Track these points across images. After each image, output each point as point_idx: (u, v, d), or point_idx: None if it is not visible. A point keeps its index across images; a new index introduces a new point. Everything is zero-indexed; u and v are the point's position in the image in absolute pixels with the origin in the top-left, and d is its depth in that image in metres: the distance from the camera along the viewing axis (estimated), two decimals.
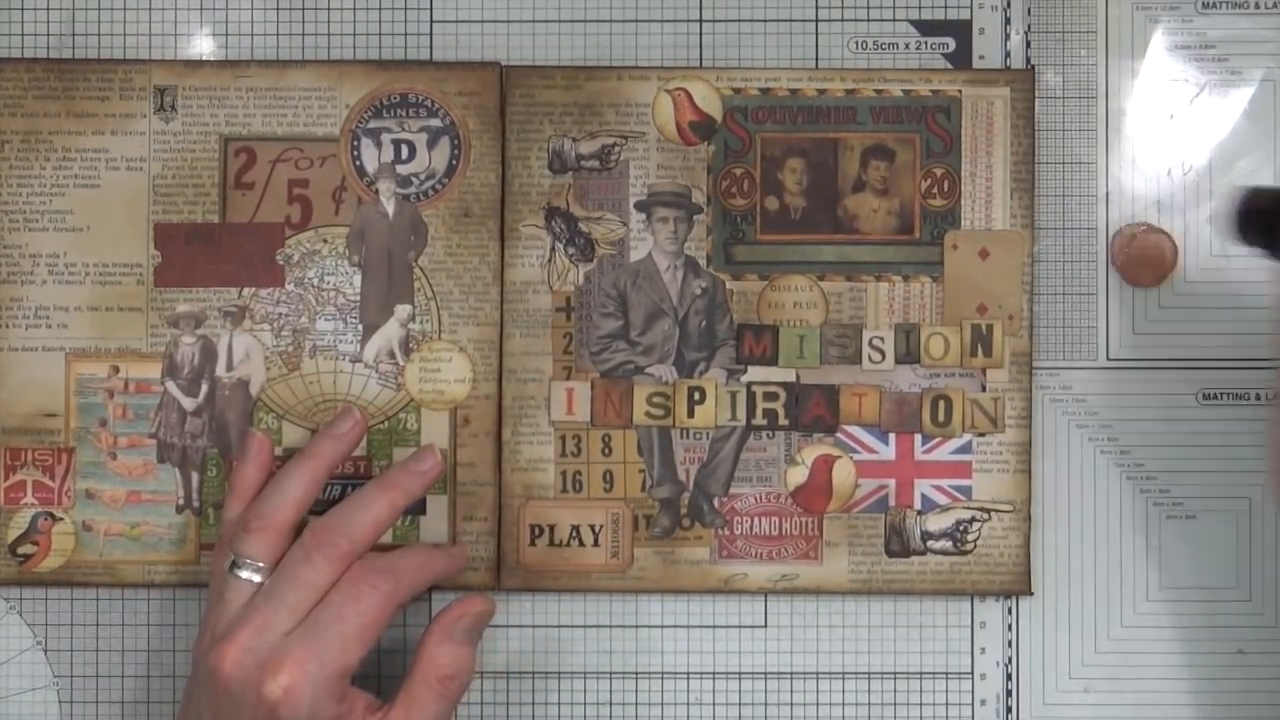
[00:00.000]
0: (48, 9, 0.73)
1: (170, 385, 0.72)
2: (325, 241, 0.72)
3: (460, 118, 0.72)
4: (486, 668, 0.72)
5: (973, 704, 0.72)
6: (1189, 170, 0.72)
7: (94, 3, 0.73)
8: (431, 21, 0.73)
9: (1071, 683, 0.72)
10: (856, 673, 0.72)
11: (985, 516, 0.71)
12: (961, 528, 0.71)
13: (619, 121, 0.72)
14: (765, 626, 0.72)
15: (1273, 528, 0.72)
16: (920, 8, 0.73)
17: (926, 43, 0.73)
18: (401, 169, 0.72)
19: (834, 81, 0.72)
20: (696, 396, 0.72)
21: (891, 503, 0.72)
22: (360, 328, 0.72)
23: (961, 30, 0.73)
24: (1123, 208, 0.72)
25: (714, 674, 0.72)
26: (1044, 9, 0.72)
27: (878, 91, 0.72)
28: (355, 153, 0.72)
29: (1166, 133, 0.72)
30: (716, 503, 0.72)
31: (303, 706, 0.62)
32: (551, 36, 0.73)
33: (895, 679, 0.72)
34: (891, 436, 0.72)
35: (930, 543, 0.71)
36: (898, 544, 0.72)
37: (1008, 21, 0.73)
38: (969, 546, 0.71)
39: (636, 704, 0.72)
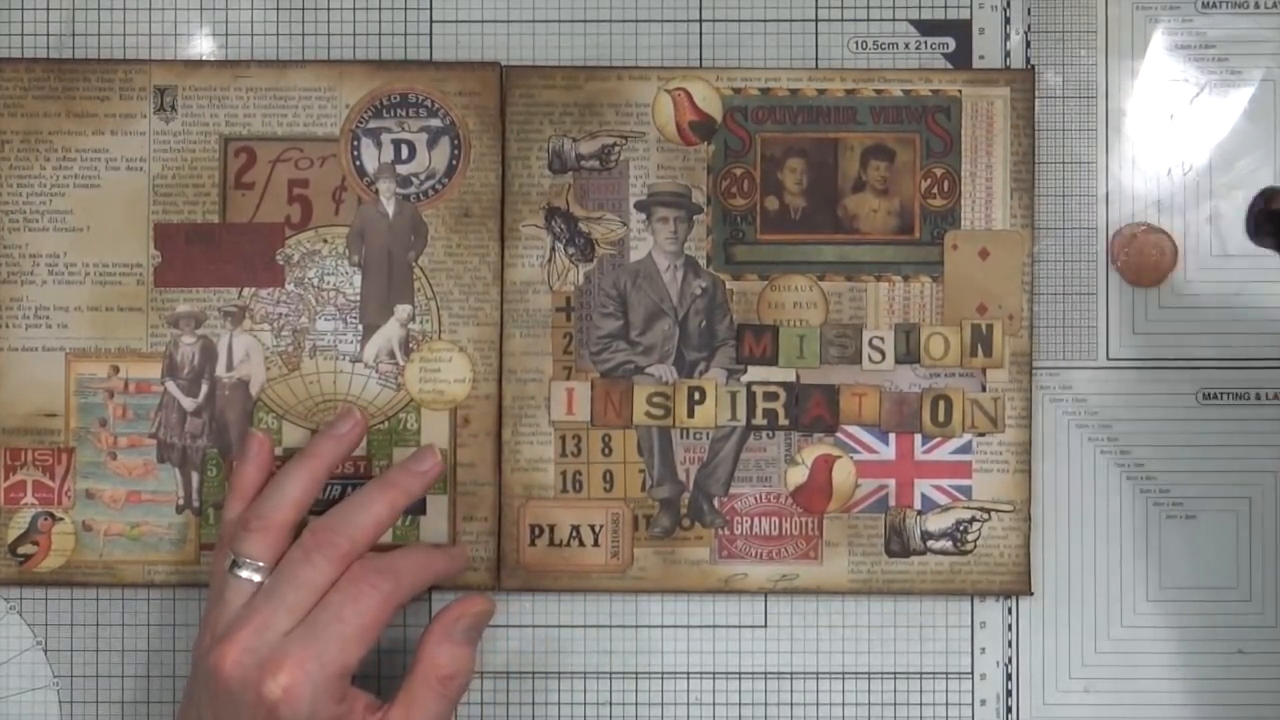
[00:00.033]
0: (48, 9, 0.73)
1: (170, 385, 0.72)
2: (325, 241, 0.72)
3: (460, 118, 0.72)
4: (486, 668, 0.72)
5: (973, 704, 0.72)
6: (1189, 170, 0.72)
7: (94, 3, 0.73)
8: (431, 21, 0.73)
9: (1071, 683, 0.72)
10: (856, 673, 0.72)
11: (985, 516, 0.71)
12: (961, 528, 0.71)
13: (619, 121, 0.72)
14: (765, 626, 0.72)
15: (1273, 528, 0.72)
16: (920, 8, 0.73)
17: (926, 43, 0.73)
18: (401, 169, 0.72)
19: (834, 81, 0.72)
20: (696, 396, 0.72)
21: (891, 503, 0.72)
22: (360, 328, 0.72)
23: (961, 30, 0.73)
24: (1123, 208, 0.72)
25: (714, 674, 0.72)
26: (1044, 9, 0.72)
27: (878, 91, 0.72)
28: (355, 153, 0.72)
29: (1166, 133, 0.72)
30: (716, 503, 0.72)
31: (302, 706, 0.62)
32: (551, 36, 0.73)
33: (895, 679, 0.72)
34: (891, 436, 0.72)
35: (930, 543, 0.71)
36: (898, 544, 0.72)
37: (1008, 21, 0.73)
38: (969, 546, 0.71)
39: (636, 704, 0.72)
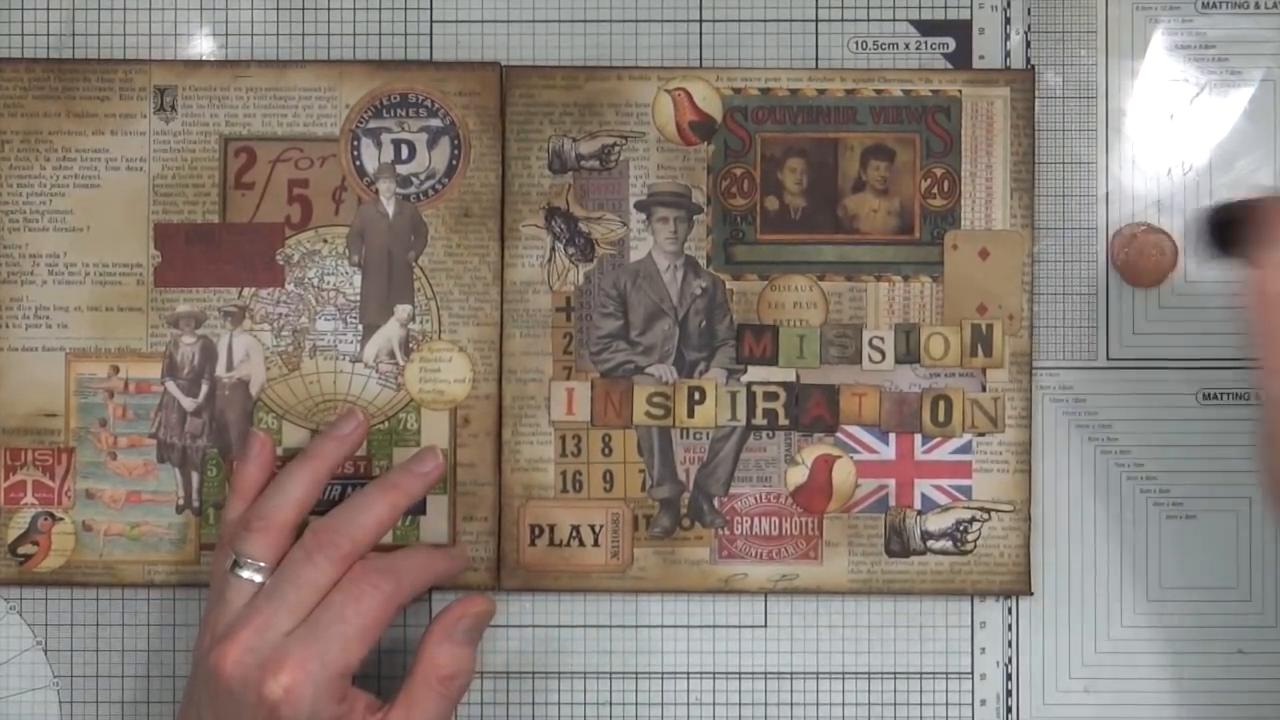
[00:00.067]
0: (48, 9, 0.73)
1: (170, 385, 0.72)
2: (325, 241, 0.72)
3: (460, 118, 0.72)
4: (486, 668, 0.72)
5: (973, 704, 0.72)
6: (1189, 170, 0.72)
7: (94, 3, 0.73)
8: (431, 21, 0.73)
9: (1071, 683, 0.72)
10: (856, 673, 0.72)
11: (985, 516, 0.71)
12: (961, 528, 0.71)
13: (619, 121, 0.72)
14: (765, 626, 0.72)
15: (1273, 528, 0.72)
16: (920, 8, 0.73)
17: (926, 43, 0.73)
18: (401, 169, 0.72)
19: (834, 81, 0.72)
20: (696, 396, 0.72)
21: (891, 503, 0.72)
22: (360, 328, 0.72)
23: (961, 30, 0.73)
24: (1123, 208, 0.72)
25: (714, 674, 0.72)
26: (1044, 9, 0.72)
27: (878, 91, 0.72)
28: (355, 153, 0.72)
29: (1166, 133, 0.72)
30: (716, 503, 0.72)
31: (303, 706, 0.62)
32: (551, 36, 0.73)
33: (895, 679, 0.72)
34: (891, 436, 0.72)
35: (930, 543, 0.71)
36: (898, 544, 0.72)
37: (1008, 21, 0.73)
38: (969, 546, 0.71)
39: (636, 704, 0.72)
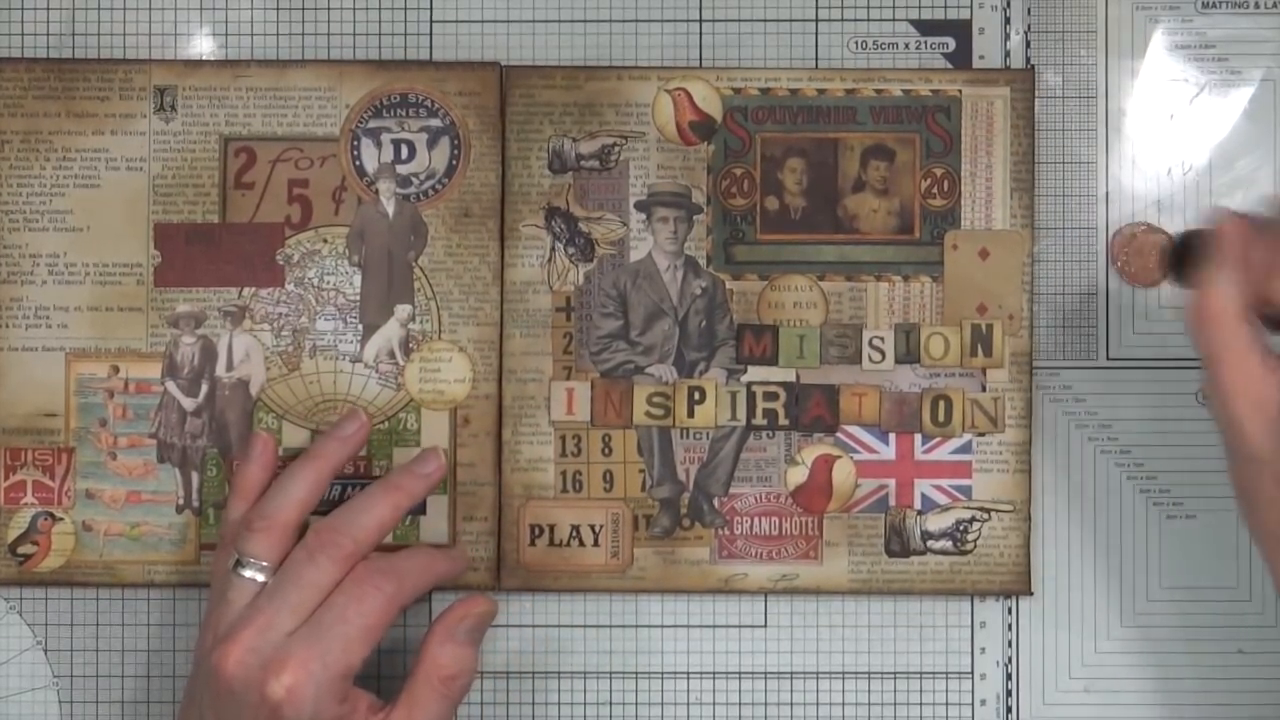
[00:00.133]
0: (48, 9, 0.72)
1: (170, 385, 0.72)
2: (325, 241, 0.72)
3: (460, 118, 0.72)
4: (486, 668, 0.72)
5: (973, 704, 0.72)
6: (1189, 170, 0.72)
7: (94, 3, 0.72)
8: (431, 21, 0.73)
9: (1071, 683, 0.72)
10: (856, 673, 0.72)
11: (985, 516, 0.71)
12: (961, 528, 0.71)
13: (619, 121, 0.72)
14: (765, 626, 0.72)
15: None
16: (920, 8, 0.73)
17: (926, 43, 0.73)
18: (401, 169, 0.72)
19: (834, 81, 0.72)
20: (696, 396, 0.72)
21: (891, 503, 0.72)
22: (360, 328, 0.72)
23: (961, 30, 0.73)
24: (1123, 208, 0.72)
25: (714, 674, 0.72)
26: (1044, 9, 0.73)
27: (878, 91, 0.72)
28: (355, 153, 0.72)
29: (1166, 133, 0.72)
30: (716, 503, 0.72)
31: (305, 707, 0.62)
32: (551, 36, 0.73)
33: (895, 679, 0.72)
34: (891, 436, 0.72)
35: (930, 543, 0.71)
36: (898, 544, 0.72)
37: (1008, 21, 0.73)
38: (969, 546, 0.71)
39: (636, 704, 0.72)
